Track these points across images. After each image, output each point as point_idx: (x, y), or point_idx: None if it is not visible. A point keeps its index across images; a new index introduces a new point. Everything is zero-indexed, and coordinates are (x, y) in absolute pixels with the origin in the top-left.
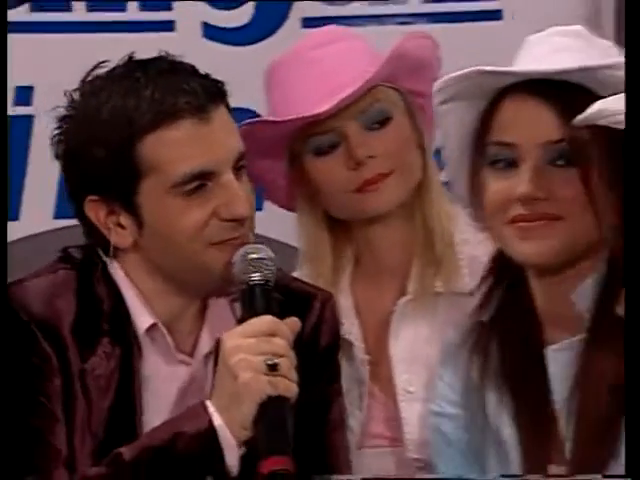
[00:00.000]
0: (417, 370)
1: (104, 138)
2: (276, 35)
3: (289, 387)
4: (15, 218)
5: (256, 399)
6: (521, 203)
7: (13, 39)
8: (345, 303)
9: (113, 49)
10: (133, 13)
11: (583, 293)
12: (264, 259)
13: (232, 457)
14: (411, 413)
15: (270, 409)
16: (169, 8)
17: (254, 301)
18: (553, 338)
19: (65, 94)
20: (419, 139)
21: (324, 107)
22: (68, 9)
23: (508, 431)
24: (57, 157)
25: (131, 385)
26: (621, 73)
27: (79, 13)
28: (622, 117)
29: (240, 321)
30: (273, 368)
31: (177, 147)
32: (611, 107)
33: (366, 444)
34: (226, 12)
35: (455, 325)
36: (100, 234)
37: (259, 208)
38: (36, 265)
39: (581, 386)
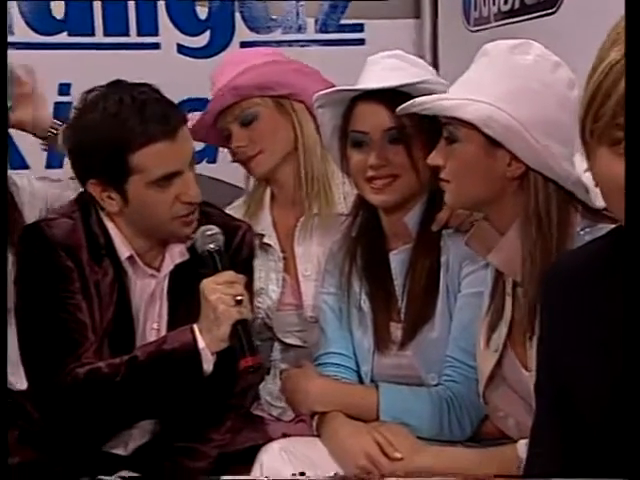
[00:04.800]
0: (311, 262)
1: (102, 147)
2: (224, 52)
3: (248, 313)
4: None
5: (230, 322)
6: (372, 168)
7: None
8: (267, 221)
9: (120, 61)
10: (134, 37)
11: (411, 218)
12: (216, 233)
13: (208, 364)
14: (307, 288)
15: (238, 327)
16: (157, 34)
17: (215, 262)
18: (393, 246)
19: (72, 102)
20: (289, 123)
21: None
22: (93, 34)
23: (365, 303)
24: (66, 150)
25: (125, 292)
26: (430, 86)
27: (98, 37)
28: (426, 105)
29: (207, 275)
30: (239, 302)
31: (155, 158)
32: (418, 100)
33: (281, 309)
34: (193, 37)
35: (335, 235)
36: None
37: (213, 161)
38: None
39: (409, 275)
